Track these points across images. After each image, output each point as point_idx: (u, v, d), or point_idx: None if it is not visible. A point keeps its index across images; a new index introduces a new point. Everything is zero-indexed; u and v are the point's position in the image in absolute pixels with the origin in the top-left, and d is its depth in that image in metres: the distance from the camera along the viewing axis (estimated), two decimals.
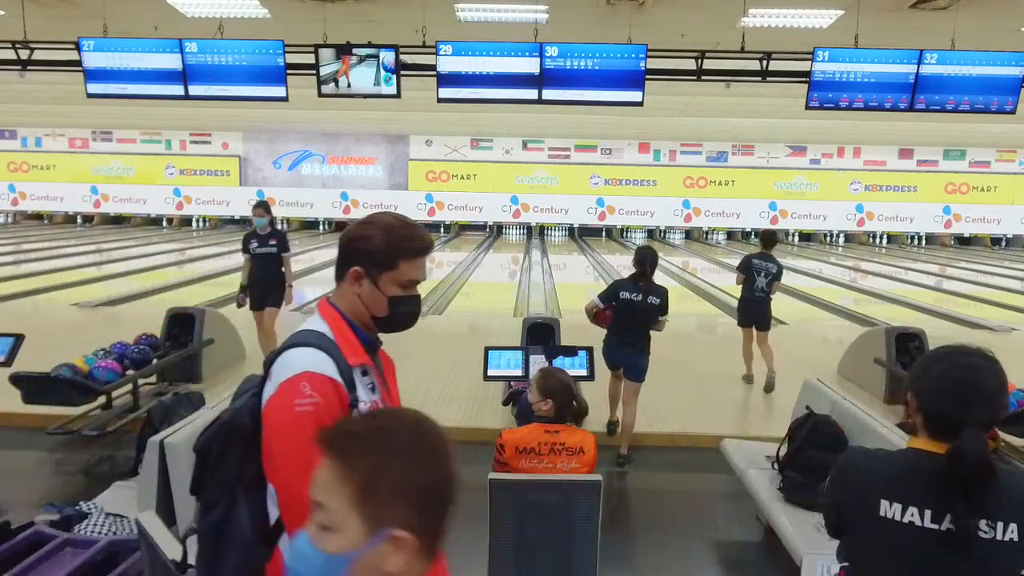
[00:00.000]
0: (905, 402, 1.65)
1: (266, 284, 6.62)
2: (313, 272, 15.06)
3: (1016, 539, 1.43)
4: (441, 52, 8.16)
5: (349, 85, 8.33)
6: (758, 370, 6.73)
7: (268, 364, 1.50)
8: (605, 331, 5.07)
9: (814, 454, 3.52)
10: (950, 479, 1.43)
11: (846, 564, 1.67)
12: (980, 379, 1.49)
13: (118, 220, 25.54)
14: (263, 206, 6.71)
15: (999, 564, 1.46)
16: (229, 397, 3.65)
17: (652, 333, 4.98)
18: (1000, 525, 1.43)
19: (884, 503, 1.50)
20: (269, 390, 1.45)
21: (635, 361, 4.93)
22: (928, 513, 1.46)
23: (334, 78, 8.30)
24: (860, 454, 1.68)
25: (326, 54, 8.28)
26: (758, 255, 6.81)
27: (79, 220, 25.46)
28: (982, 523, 1.43)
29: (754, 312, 6.78)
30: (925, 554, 1.47)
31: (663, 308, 4.89)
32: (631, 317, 4.89)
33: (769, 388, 6.41)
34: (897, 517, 1.48)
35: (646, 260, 4.89)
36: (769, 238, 6.95)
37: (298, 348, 1.48)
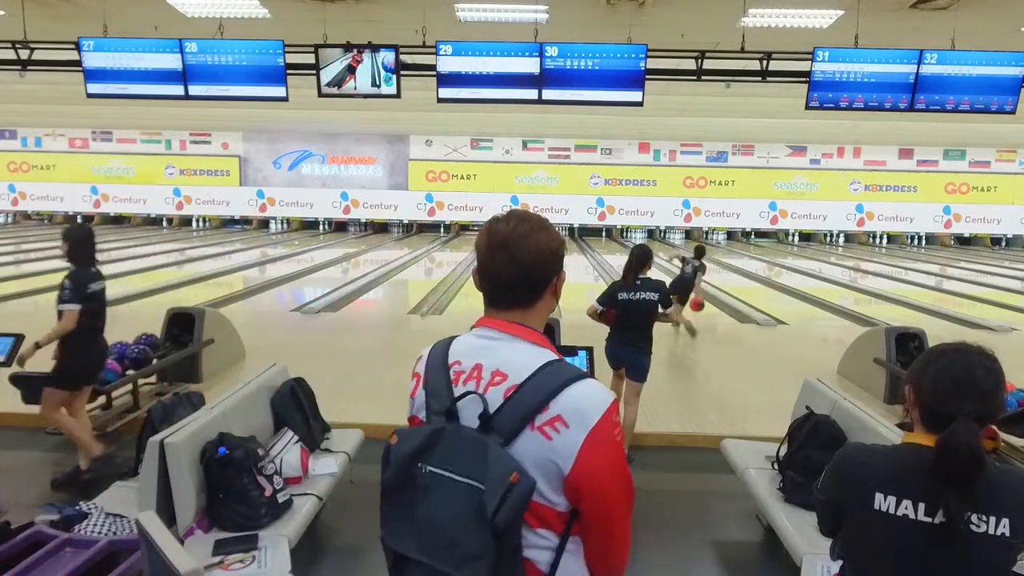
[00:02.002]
0: (903, 397, 1.66)
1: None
2: (313, 272, 15.14)
3: (1008, 534, 1.44)
4: (441, 52, 8.16)
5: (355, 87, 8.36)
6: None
7: (536, 406, 1.27)
8: (609, 330, 5.09)
9: (814, 454, 3.51)
10: (938, 470, 1.45)
11: (843, 562, 1.68)
12: (976, 376, 1.50)
13: (118, 220, 25.57)
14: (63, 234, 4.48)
15: (991, 558, 1.47)
16: (228, 397, 3.66)
17: (654, 333, 5.01)
18: (992, 520, 1.44)
19: (879, 496, 1.51)
20: (575, 436, 1.26)
21: (637, 361, 4.94)
22: (922, 506, 1.48)
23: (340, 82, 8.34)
24: (856, 449, 1.70)
25: (328, 54, 8.29)
26: (690, 260, 9.02)
27: (79, 220, 25.46)
28: (975, 517, 1.45)
29: (681, 289, 8.83)
30: (918, 547, 1.48)
31: (664, 301, 4.95)
32: (631, 317, 4.91)
33: (684, 329, 8.87)
34: (891, 510, 1.49)
35: (640, 258, 4.95)
36: (699, 251, 9.12)
37: (580, 382, 1.31)
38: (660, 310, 4.97)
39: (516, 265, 1.38)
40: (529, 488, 1.24)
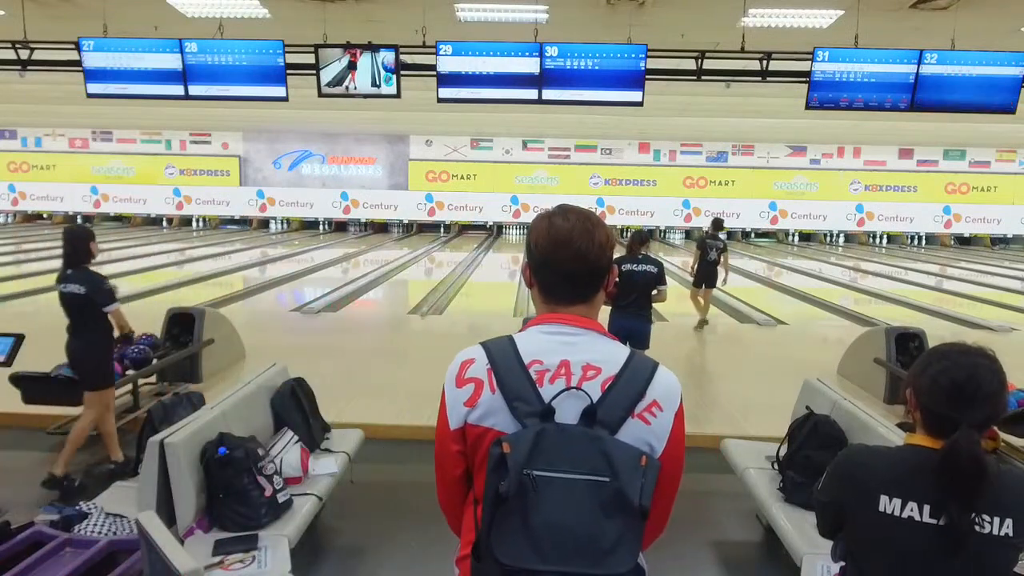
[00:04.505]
0: (905, 399, 1.66)
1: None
2: (313, 272, 15.14)
3: (1011, 534, 1.45)
4: (441, 52, 8.16)
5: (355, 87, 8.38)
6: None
7: (636, 394, 1.37)
8: (610, 309, 5.45)
9: (814, 454, 3.51)
10: (943, 476, 1.45)
11: (843, 563, 1.68)
12: (979, 378, 1.49)
13: (118, 220, 25.55)
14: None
15: (994, 559, 1.47)
16: (228, 397, 3.66)
17: (653, 334, 5.11)
18: (996, 520, 1.45)
19: (884, 498, 1.51)
20: (667, 416, 1.40)
21: (640, 327, 5.37)
22: (927, 508, 1.47)
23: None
24: (859, 451, 1.69)
25: (328, 54, 8.29)
26: (710, 236, 9.11)
27: (79, 220, 25.45)
28: (979, 518, 1.45)
29: (705, 275, 9.01)
30: (924, 549, 1.48)
31: (660, 277, 5.49)
32: (633, 287, 5.38)
33: (700, 326, 8.93)
34: (897, 512, 1.49)
35: (642, 237, 5.71)
36: (717, 223, 9.33)
37: (660, 368, 1.43)
38: (656, 286, 5.47)
39: (584, 260, 1.43)
40: (658, 467, 1.34)
